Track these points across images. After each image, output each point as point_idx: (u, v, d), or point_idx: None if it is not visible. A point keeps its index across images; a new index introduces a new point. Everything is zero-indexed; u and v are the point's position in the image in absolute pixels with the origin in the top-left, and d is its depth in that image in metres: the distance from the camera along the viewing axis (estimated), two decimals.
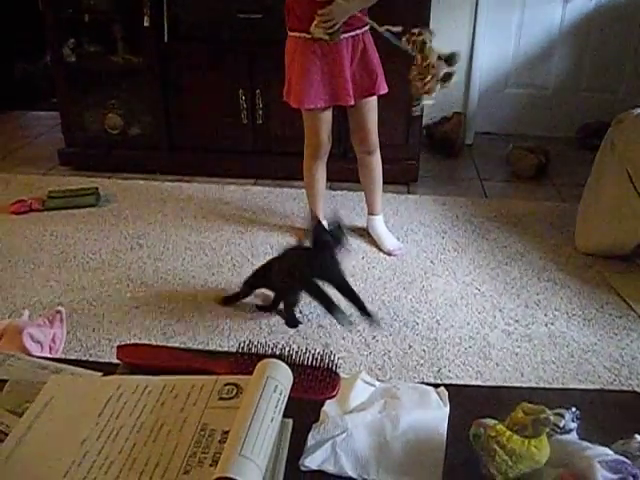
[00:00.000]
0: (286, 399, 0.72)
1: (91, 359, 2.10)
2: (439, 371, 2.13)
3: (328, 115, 2.67)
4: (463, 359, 2.19)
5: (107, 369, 0.91)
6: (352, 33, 2.50)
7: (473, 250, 2.91)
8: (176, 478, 0.64)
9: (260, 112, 3.52)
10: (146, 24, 3.41)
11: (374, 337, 2.29)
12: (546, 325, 2.39)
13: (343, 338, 2.28)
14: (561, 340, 2.30)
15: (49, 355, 2.05)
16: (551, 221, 3.19)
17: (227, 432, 0.67)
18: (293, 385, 0.74)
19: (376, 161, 2.84)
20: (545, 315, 2.45)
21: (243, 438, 0.64)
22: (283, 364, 0.74)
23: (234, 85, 3.49)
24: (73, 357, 2.09)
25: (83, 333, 2.30)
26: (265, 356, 0.78)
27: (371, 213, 3.00)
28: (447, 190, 3.56)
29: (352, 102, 2.57)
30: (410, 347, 2.25)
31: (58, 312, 2.26)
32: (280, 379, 0.72)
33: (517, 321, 2.41)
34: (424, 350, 2.23)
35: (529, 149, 3.77)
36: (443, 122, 4.11)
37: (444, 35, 3.94)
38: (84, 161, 3.77)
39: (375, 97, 2.66)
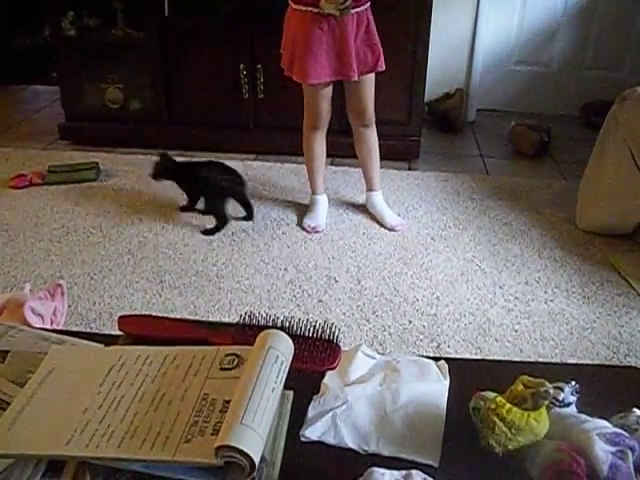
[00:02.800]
0: (287, 369, 0.72)
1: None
2: (439, 346, 2.14)
3: (329, 90, 2.66)
4: (463, 335, 2.20)
5: (108, 341, 0.91)
6: (358, 9, 2.48)
7: (474, 227, 2.91)
8: (177, 446, 0.65)
9: (261, 86, 3.50)
10: None
11: (374, 312, 2.30)
12: (546, 302, 2.39)
13: (344, 313, 2.29)
14: (560, 317, 2.31)
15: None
16: (552, 199, 3.18)
17: (228, 402, 0.68)
18: (294, 356, 0.74)
19: (373, 135, 2.83)
20: (545, 292, 2.45)
21: (244, 407, 0.64)
22: (284, 335, 0.74)
23: (235, 59, 3.47)
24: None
25: (84, 307, 2.31)
26: (266, 327, 0.78)
27: (370, 189, 2.99)
28: (448, 167, 3.55)
29: (355, 77, 2.56)
30: (410, 322, 2.25)
31: (59, 285, 2.27)
32: (281, 350, 0.72)
33: (517, 298, 2.41)
34: (424, 326, 2.24)
35: (531, 126, 3.75)
36: (445, 99, 4.09)
37: (447, 10, 3.93)
38: (84, 135, 3.75)
39: (373, 74, 2.65)
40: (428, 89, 3.57)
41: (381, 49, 2.60)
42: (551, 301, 2.40)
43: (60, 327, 2.14)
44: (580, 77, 4.21)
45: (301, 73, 2.57)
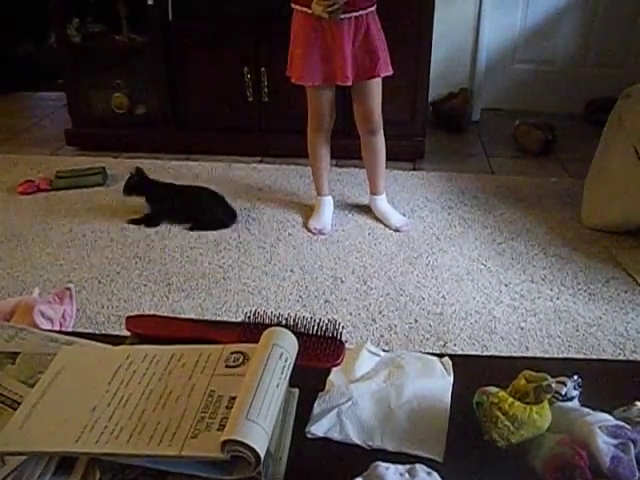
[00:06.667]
0: (292, 366, 0.73)
1: None
2: (445, 345, 2.15)
3: (329, 92, 2.67)
4: (469, 333, 2.21)
5: (116, 341, 0.92)
6: (355, 14, 2.47)
7: (479, 226, 2.91)
8: (185, 442, 0.66)
9: (265, 90, 3.52)
10: (150, 2, 3.38)
11: (380, 312, 2.31)
12: (552, 300, 2.40)
13: (350, 313, 2.30)
14: (566, 315, 2.31)
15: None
16: (557, 197, 3.18)
17: (234, 398, 0.69)
18: (299, 353, 0.76)
19: (380, 141, 2.83)
20: (551, 290, 2.45)
21: (250, 402, 0.65)
22: (289, 332, 0.75)
23: (239, 63, 3.48)
24: None
25: (92, 310, 2.33)
26: (271, 325, 0.80)
27: (374, 193, 2.99)
28: (453, 166, 3.56)
29: (349, 82, 2.56)
30: (416, 321, 2.26)
31: (68, 289, 2.29)
32: (286, 346, 0.73)
33: (523, 296, 2.42)
34: (430, 324, 2.25)
35: (535, 125, 3.75)
36: (449, 98, 4.10)
37: (450, 9, 3.94)
38: (91, 141, 3.78)
39: (378, 79, 2.65)
40: (432, 89, 3.59)
41: (386, 54, 2.60)
42: (557, 299, 2.40)
43: (69, 330, 2.15)
44: (584, 74, 4.21)
45: (296, 74, 2.60)
